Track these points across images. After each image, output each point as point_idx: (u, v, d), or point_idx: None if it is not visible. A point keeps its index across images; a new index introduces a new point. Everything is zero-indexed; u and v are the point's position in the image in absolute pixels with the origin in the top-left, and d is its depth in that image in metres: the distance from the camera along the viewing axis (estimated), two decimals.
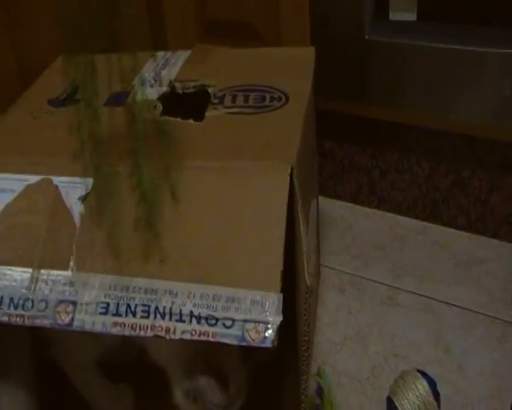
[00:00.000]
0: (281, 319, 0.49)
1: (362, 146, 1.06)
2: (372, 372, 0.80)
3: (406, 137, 1.01)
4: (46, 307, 0.53)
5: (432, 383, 0.70)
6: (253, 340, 0.50)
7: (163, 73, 0.75)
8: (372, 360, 0.81)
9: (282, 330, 0.49)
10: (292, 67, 0.74)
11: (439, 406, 0.70)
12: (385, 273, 0.95)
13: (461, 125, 0.93)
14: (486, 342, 0.83)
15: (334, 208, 1.09)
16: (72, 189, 0.57)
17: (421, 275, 0.94)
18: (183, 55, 0.78)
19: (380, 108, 0.98)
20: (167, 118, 0.65)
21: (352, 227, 1.05)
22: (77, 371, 0.72)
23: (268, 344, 0.49)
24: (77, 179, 0.57)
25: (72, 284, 0.53)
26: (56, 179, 0.58)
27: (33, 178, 0.58)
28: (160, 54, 0.79)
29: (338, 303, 0.90)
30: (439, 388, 0.71)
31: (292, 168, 0.53)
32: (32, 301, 0.53)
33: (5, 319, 0.53)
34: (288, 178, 0.52)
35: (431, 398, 0.69)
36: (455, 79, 0.90)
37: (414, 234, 1.02)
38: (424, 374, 0.71)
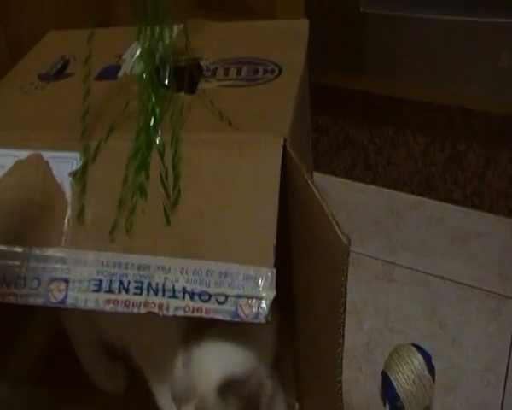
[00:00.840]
0: (274, 293, 0.49)
1: (357, 121, 1.05)
2: (367, 347, 0.80)
3: (402, 112, 1.00)
4: (39, 285, 0.52)
5: (427, 357, 0.70)
6: (246, 315, 0.49)
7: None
8: (367, 335, 0.81)
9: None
10: (285, 39, 0.73)
11: (433, 379, 0.70)
12: (380, 248, 0.95)
13: (457, 98, 0.92)
14: (481, 316, 0.83)
15: (329, 184, 1.08)
16: (63, 164, 0.56)
17: (416, 250, 0.94)
18: (175, 29, 0.76)
19: (375, 81, 0.97)
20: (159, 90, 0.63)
21: (347, 203, 1.04)
22: (78, 344, 0.73)
23: (261, 319, 0.49)
24: (67, 154, 0.56)
25: (64, 261, 0.53)
26: (47, 154, 0.56)
27: (23, 154, 0.57)
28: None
29: None
30: (434, 362, 0.71)
31: (285, 140, 0.52)
32: (25, 279, 0.52)
33: None
34: (281, 149, 0.51)
35: (426, 372, 0.69)
36: (451, 51, 0.88)
37: (409, 209, 1.02)
38: (419, 348, 0.71)
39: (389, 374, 0.70)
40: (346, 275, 0.50)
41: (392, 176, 1.06)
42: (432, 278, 0.89)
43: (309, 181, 0.50)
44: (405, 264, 0.92)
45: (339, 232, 0.48)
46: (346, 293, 0.50)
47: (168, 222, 0.52)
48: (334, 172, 1.11)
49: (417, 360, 0.70)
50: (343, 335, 0.52)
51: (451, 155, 1.00)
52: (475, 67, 0.88)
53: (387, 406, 0.72)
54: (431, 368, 0.70)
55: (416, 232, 0.97)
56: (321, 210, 0.51)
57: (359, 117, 1.05)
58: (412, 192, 1.05)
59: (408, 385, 0.69)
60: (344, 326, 0.51)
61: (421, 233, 0.97)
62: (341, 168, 1.10)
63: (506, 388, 0.74)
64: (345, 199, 1.05)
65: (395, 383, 0.69)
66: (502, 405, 0.73)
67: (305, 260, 0.55)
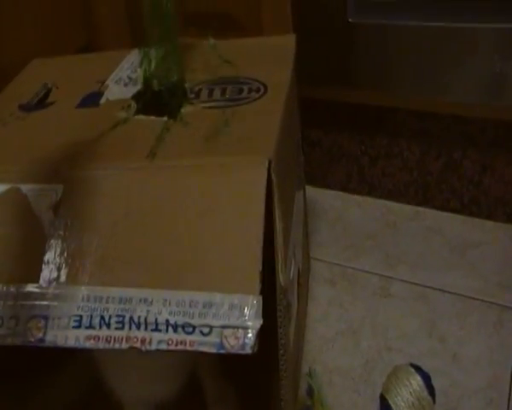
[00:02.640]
0: (261, 322, 0.47)
1: (350, 133, 1.03)
2: (365, 368, 0.78)
3: (395, 121, 0.99)
4: (17, 324, 0.50)
5: (426, 378, 0.68)
6: (231, 347, 0.47)
7: (139, 70, 0.72)
8: (365, 355, 0.79)
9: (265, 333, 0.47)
10: (271, 56, 0.72)
11: (434, 400, 0.68)
12: (377, 263, 0.93)
13: (450, 106, 0.90)
14: (482, 329, 0.81)
15: (324, 198, 1.06)
16: (42, 196, 0.55)
17: (414, 263, 0.92)
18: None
19: (366, 92, 0.96)
20: (141, 117, 0.62)
21: (343, 217, 1.02)
22: None
23: (248, 351, 0.47)
24: (47, 186, 0.55)
25: (42, 297, 0.51)
26: (25, 188, 0.55)
27: (1, 188, 0.56)
28: (135, 51, 0.76)
29: (329, 297, 0.88)
30: (435, 380, 0.69)
31: (270, 161, 0.50)
32: (2, 318, 0.51)
33: None
34: (266, 172, 0.50)
35: (425, 393, 0.67)
36: (442, 58, 0.87)
37: (406, 220, 1.00)
38: (418, 368, 0.69)
39: (387, 397, 0.68)
40: (284, 316, 0.51)
41: (387, 187, 1.04)
42: (430, 292, 0.87)
43: (277, 212, 0.49)
44: (403, 278, 0.90)
45: (280, 271, 0.50)
46: (285, 334, 0.52)
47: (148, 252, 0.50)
48: (329, 185, 1.09)
49: (416, 381, 0.68)
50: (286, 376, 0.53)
51: (447, 163, 0.98)
52: (468, 74, 0.86)
53: None
54: (431, 389, 0.68)
55: (413, 244, 0.95)
56: (276, 245, 0.51)
57: (352, 129, 1.03)
58: (408, 203, 1.03)
59: (407, 408, 0.67)
60: (286, 369, 0.52)
61: (419, 245, 0.95)
62: (336, 181, 1.08)
63: (510, 405, 0.72)
64: (340, 213, 1.03)
65: (394, 407, 0.67)
66: None
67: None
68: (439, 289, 0.87)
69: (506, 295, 0.85)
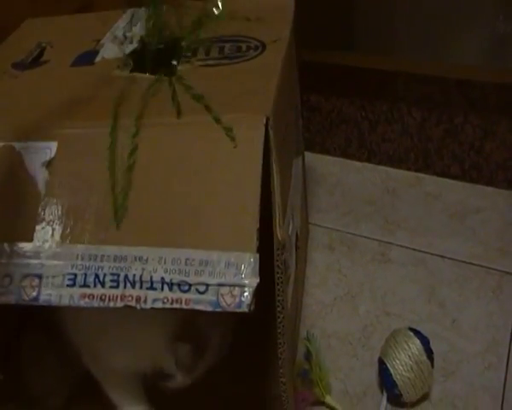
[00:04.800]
0: (257, 281, 0.46)
1: (350, 97, 1.02)
2: (363, 333, 0.77)
3: (396, 86, 0.97)
4: (10, 283, 0.49)
5: (425, 342, 0.68)
6: (228, 305, 0.47)
7: (134, 29, 0.71)
8: (363, 320, 0.79)
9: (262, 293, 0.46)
10: (270, 15, 0.70)
11: (432, 364, 0.67)
12: (376, 229, 0.92)
13: (453, 69, 0.89)
14: (482, 295, 0.80)
15: (323, 164, 1.05)
16: (36, 154, 0.54)
17: (413, 228, 0.91)
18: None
19: (367, 56, 0.94)
20: (137, 74, 0.61)
21: (342, 183, 1.01)
22: None
23: (244, 309, 0.46)
24: (41, 144, 0.54)
25: (37, 256, 0.50)
26: (19, 145, 0.54)
27: None
28: (131, 10, 0.75)
29: (327, 262, 0.87)
30: (433, 345, 0.69)
31: (267, 119, 0.49)
32: None
33: None
34: (263, 129, 0.48)
35: (424, 357, 0.67)
36: (445, 20, 0.85)
37: (406, 186, 0.99)
38: (417, 332, 0.69)
39: (386, 361, 0.68)
40: (282, 272, 0.50)
41: (387, 153, 1.03)
42: (430, 257, 0.86)
43: (274, 167, 0.48)
44: (402, 244, 0.89)
45: (277, 225, 0.48)
46: (283, 291, 0.50)
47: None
48: (328, 151, 1.07)
49: (415, 345, 0.67)
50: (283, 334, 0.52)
51: (448, 129, 0.96)
52: (471, 35, 0.85)
53: (385, 393, 0.69)
54: (429, 353, 0.67)
55: (413, 211, 0.94)
56: (273, 200, 0.50)
57: (352, 93, 1.01)
58: (408, 169, 1.02)
59: (405, 372, 0.66)
60: (283, 327, 0.52)
61: (419, 211, 0.94)
62: (335, 147, 1.07)
63: (508, 369, 0.71)
64: (339, 179, 1.02)
65: (392, 370, 0.67)
66: (504, 387, 0.70)
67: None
68: (439, 255, 0.86)
69: (506, 260, 0.84)
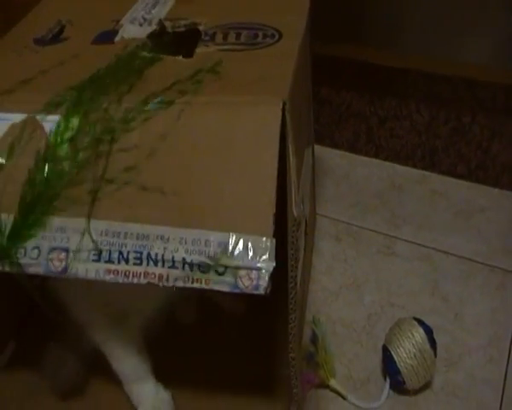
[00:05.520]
0: (273, 265, 0.47)
1: (360, 92, 1.03)
2: (368, 321, 0.79)
3: (405, 83, 0.98)
4: (39, 255, 0.51)
5: (428, 331, 0.69)
6: (246, 287, 0.48)
7: (153, 11, 0.71)
8: (368, 309, 0.80)
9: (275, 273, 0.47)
10: (286, 4, 0.71)
11: (435, 354, 0.69)
12: (382, 222, 0.93)
13: (462, 69, 0.90)
14: (485, 292, 0.82)
15: (331, 157, 1.06)
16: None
17: (419, 224, 0.92)
18: None
19: (378, 51, 0.95)
20: (156, 55, 0.62)
21: (349, 176, 1.02)
22: None
23: (261, 291, 0.47)
24: (62, 118, 0.54)
25: (63, 230, 0.51)
26: (41, 118, 0.55)
27: (18, 117, 0.55)
28: None
29: (334, 252, 0.88)
30: (436, 337, 0.70)
31: (284, 102, 0.50)
32: (25, 248, 0.51)
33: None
34: (280, 113, 0.49)
35: (427, 346, 0.68)
36: (456, 18, 0.86)
37: (412, 183, 1.00)
38: (420, 322, 0.70)
39: (390, 348, 0.69)
40: (297, 249, 0.51)
41: (395, 149, 1.04)
42: (434, 253, 0.88)
43: (290, 147, 0.49)
44: (408, 238, 0.90)
45: (293, 204, 0.49)
46: (296, 267, 0.51)
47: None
48: (336, 144, 1.08)
49: (419, 333, 0.69)
50: (294, 309, 0.53)
51: (456, 128, 0.97)
52: (481, 35, 0.85)
53: (388, 380, 0.71)
54: (433, 342, 0.69)
55: (418, 207, 0.95)
56: (289, 178, 0.50)
57: (362, 88, 1.02)
58: (415, 165, 1.03)
59: (409, 359, 0.68)
60: (295, 303, 0.52)
61: (425, 208, 0.95)
62: (343, 141, 1.08)
63: (509, 363, 0.73)
64: (346, 172, 1.03)
65: (396, 357, 0.68)
66: (505, 380, 0.72)
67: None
68: (443, 251, 0.88)
69: (509, 259, 0.86)
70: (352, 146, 1.08)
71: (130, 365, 0.69)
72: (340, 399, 0.71)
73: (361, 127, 1.06)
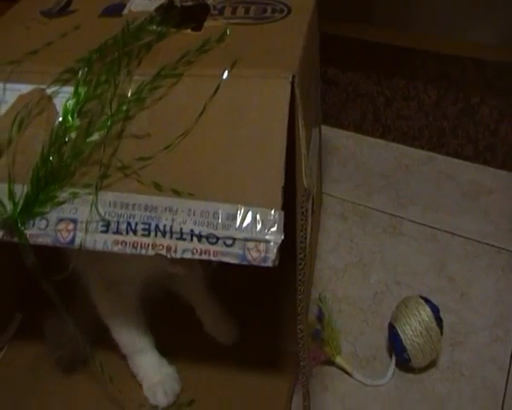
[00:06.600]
0: (282, 237, 0.47)
1: (367, 72, 1.02)
2: (374, 300, 0.79)
3: (413, 63, 0.97)
4: (47, 226, 0.51)
5: (435, 310, 0.69)
6: (254, 259, 0.48)
7: None
8: (374, 288, 0.80)
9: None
10: None
11: (441, 332, 0.69)
12: (388, 202, 0.93)
13: (470, 48, 0.89)
14: (491, 272, 0.82)
15: (338, 137, 1.06)
16: (65, 99, 0.54)
17: (425, 205, 0.92)
18: None
19: (385, 31, 0.94)
20: (164, 28, 0.61)
21: (356, 156, 1.02)
22: None
23: (269, 264, 0.47)
24: (70, 89, 0.54)
25: (71, 201, 0.51)
26: (50, 89, 0.54)
27: (26, 88, 0.54)
28: None
29: (340, 231, 0.88)
30: (442, 316, 0.70)
31: (293, 76, 0.49)
32: (33, 219, 0.51)
33: (8, 237, 0.51)
34: (290, 86, 0.49)
35: (433, 324, 0.68)
36: None
37: (419, 164, 1.00)
38: (427, 300, 0.70)
39: (396, 326, 0.69)
40: (306, 219, 0.50)
41: (401, 130, 1.04)
42: (441, 234, 0.87)
43: (299, 120, 0.48)
44: (414, 219, 0.90)
45: (304, 174, 0.48)
46: (306, 238, 0.51)
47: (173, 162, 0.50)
48: (343, 125, 1.08)
49: (425, 311, 0.68)
50: (303, 281, 0.52)
51: (464, 109, 0.97)
52: (490, 13, 0.84)
53: (394, 357, 0.71)
54: (439, 321, 0.69)
55: (425, 187, 0.95)
56: (298, 150, 0.50)
57: (369, 68, 1.01)
58: (422, 146, 1.03)
59: (415, 337, 0.68)
60: (304, 274, 0.52)
61: (431, 188, 0.95)
62: (350, 121, 1.07)
63: None
64: (353, 152, 1.03)
65: (402, 335, 0.68)
66: (510, 359, 0.72)
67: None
68: (450, 232, 0.88)
69: None
70: (358, 127, 1.07)
71: (129, 336, 0.68)
72: (346, 376, 0.71)
73: (368, 108, 1.05)
